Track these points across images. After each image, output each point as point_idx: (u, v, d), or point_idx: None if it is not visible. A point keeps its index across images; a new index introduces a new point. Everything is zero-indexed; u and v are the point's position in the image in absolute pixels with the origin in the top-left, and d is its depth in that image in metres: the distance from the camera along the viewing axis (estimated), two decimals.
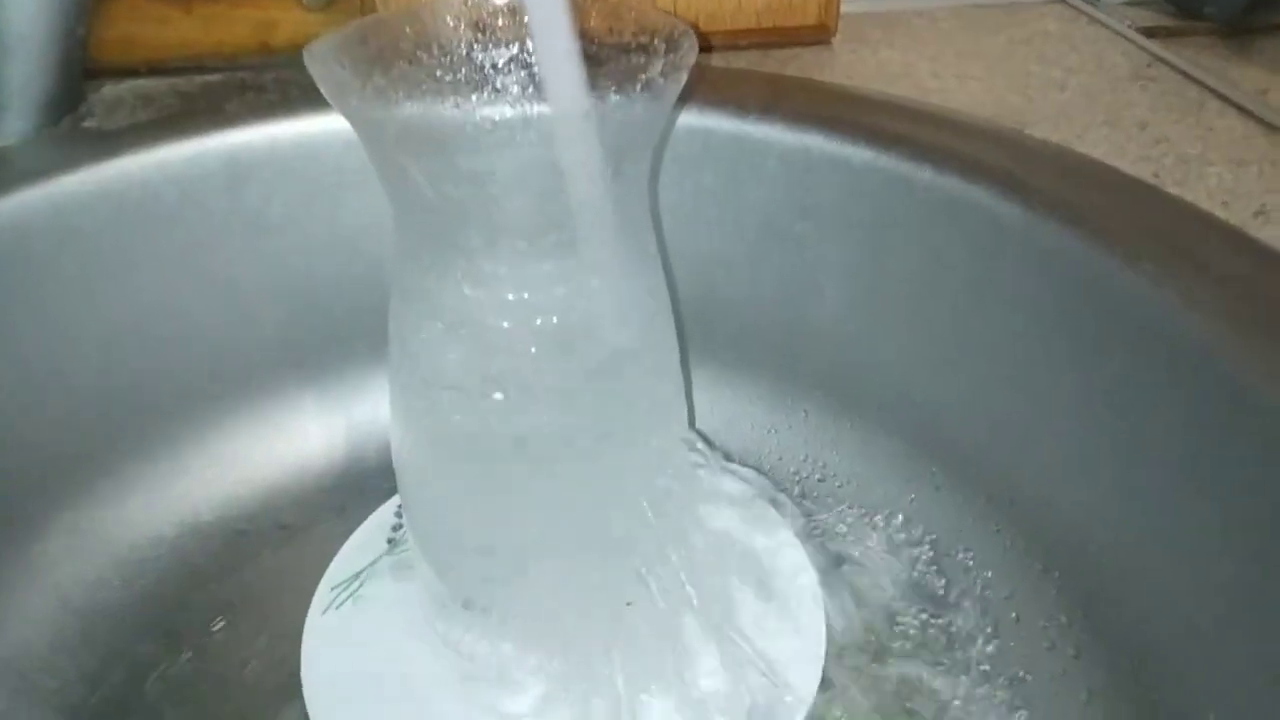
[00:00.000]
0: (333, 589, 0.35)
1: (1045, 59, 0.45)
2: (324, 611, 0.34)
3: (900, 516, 0.38)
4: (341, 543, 0.36)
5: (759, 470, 0.40)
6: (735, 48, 0.45)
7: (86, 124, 0.41)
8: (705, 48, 0.45)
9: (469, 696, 0.30)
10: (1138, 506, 0.30)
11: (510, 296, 0.24)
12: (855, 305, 0.39)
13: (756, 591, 0.33)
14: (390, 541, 0.36)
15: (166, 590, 0.37)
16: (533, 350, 0.25)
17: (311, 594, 0.34)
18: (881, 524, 0.38)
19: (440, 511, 0.29)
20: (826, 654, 0.32)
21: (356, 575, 0.36)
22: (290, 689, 0.31)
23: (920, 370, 0.38)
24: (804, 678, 0.31)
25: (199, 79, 0.44)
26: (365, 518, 0.37)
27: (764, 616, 0.32)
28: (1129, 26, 0.50)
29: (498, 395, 0.25)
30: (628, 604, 0.29)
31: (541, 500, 0.27)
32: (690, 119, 0.39)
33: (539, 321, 0.24)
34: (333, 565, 0.36)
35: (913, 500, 0.38)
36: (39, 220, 0.35)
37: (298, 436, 0.41)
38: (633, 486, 0.28)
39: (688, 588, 0.29)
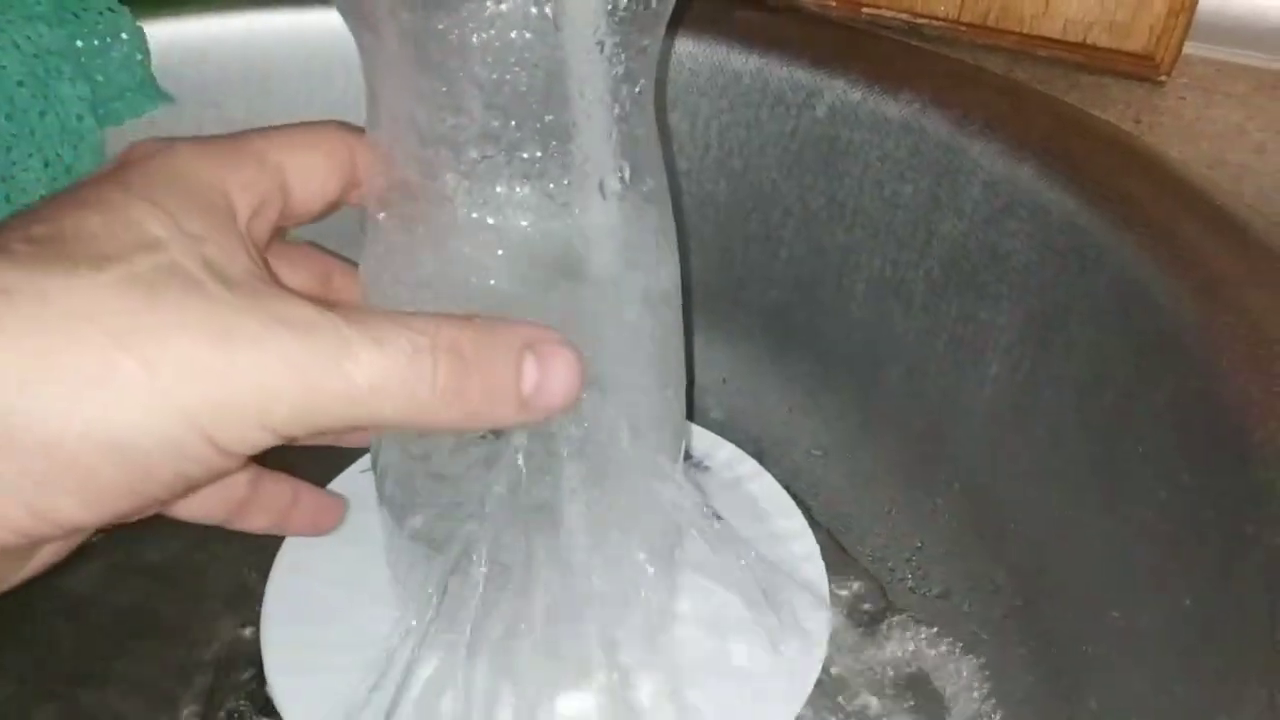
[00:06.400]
0: None
1: None
2: (364, 470, 0.35)
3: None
4: None
5: (861, 560, 0.35)
6: (1030, 57, 0.37)
7: None
8: (991, 47, 0.37)
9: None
10: None
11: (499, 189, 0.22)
12: (1012, 397, 0.31)
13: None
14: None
15: None
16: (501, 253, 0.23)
17: None
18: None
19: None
20: None
21: None
22: None
23: (1045, 511, 0.29)
24: None
25: None
26: None
27: None
28: None
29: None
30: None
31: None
32: (905, 114, 0.33)
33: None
34: None
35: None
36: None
37: None
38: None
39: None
